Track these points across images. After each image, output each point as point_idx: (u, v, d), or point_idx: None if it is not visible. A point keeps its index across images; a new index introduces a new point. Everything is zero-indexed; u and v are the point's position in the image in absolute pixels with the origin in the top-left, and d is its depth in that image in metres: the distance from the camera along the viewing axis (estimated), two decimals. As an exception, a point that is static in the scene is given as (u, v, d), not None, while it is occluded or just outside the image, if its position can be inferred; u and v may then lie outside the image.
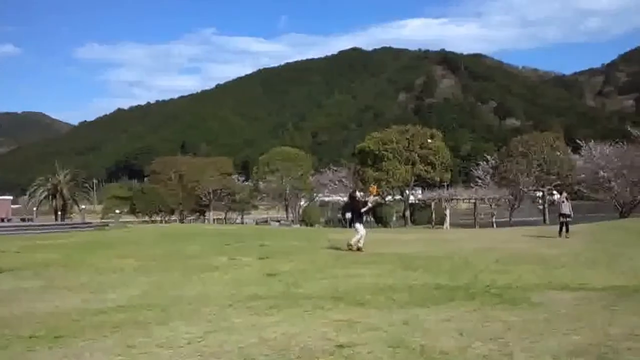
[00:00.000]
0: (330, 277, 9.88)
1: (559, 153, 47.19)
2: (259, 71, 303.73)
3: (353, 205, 16.18)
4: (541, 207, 48.65)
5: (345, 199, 39.73)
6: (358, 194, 18.21)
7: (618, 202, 43.11)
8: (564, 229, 19.50)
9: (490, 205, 50.76)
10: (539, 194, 49.18)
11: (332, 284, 9.01)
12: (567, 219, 19.69)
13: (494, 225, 44.89)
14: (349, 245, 15.02)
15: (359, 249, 14.77)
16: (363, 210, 15.94)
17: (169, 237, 21.83)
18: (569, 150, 49.92)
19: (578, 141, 52.70)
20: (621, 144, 47.39)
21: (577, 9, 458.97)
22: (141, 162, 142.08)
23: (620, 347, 4.84)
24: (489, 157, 58.42)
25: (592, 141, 50.61)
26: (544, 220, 45.15)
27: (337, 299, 7.55)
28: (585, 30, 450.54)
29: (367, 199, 18.06)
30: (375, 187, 20.63)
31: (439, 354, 4.77)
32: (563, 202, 20.25)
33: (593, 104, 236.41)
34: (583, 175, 46.82)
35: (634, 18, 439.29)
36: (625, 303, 6.85)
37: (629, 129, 49.46)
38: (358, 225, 15.34)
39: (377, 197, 18.78)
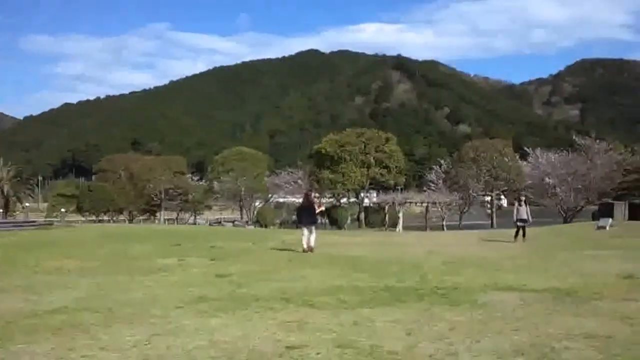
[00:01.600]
0: (280, 279, 9.88)
1: (507, 159, 48.73)
2: (215, 69, 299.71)
3: (308, 205, 16.22)
4: (489, 211, 50.06)
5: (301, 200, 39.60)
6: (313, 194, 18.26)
7: (562, 208, 44.79)
8: (520, 233, 19.66)
9: (442, 209, 51.92)
10: (488, 198, 50.64)
11: (283, 285, 9.01)
12: (525, 224, 19.89)
13: (445, 228, 45.90)
14: (310, 247, 15.12)
15: (306, 250, 15.03)
16: (319, 210, 16.32)
17: (116, 238, 21.27)
18: (517, 157, 51.61)
19: (525, 148, 54.57)
20: (566, 152, 49.36)
21: (526, 21, 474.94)
22: (89, 159, 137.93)
23: (558, 346, 5.05)
24: (441, 162, 59.75)
25: (539, 149, 52.50)
26: (492, 224, 46.48)
27: (286, 300, 7.56)
28: (533, 41, 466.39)
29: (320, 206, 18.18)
30: (322, 205, 20.79)
31: (386, 354, 4.86)
32: (521, 207, 20.32)
33: (541, 112, 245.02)
34: (529, 182, 48.49)
35: (578, 31, 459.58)
36: (562, 304, 7.13)
37: (574, 137, 51.53)
38: (310, 226, 15.45)
39: (322, 209, 18.93)
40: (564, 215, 44.25)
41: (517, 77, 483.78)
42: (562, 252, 15.21)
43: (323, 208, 18.03)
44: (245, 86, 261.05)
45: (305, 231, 15.39)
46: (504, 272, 10.61)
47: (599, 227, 24.80)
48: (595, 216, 31.94)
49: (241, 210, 58.62)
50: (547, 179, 45.46)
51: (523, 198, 21.60)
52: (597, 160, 44.55)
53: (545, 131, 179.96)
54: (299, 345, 5.14)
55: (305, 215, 15.77)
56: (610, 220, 26.21)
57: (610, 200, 35.68)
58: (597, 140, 48.61)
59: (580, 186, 43.49)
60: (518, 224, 19.92)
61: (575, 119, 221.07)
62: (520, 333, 5.58)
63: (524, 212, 20.06)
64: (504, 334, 5.57)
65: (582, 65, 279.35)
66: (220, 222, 57.73)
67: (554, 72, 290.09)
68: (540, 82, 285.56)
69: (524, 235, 19.56)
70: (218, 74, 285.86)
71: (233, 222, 56.57)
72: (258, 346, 5.15)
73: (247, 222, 53.83)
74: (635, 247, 16.04)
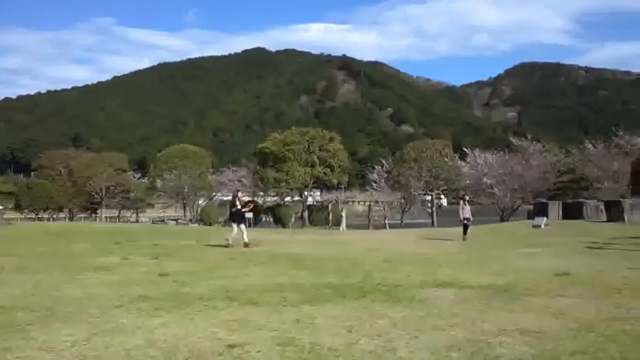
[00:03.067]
0: (222, 277, 9.78)
1: (447, 160, 50.06)
2: (159, 65, 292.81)
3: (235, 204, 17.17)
4: (430, 210, 51.30)
5: (246, 198, 39.35)
6: (240, 194, 18.69)
7: (499, 207, 46.44)
8: (462, 230, 20.07)
9: (384, 208, 52.83)
10: (428, 197, 51.87)
11: (225, 283, 8.93)
12: (468, 222, 20.31)
13: (387, 226, 46.67)
14: (246, 244, 15.85)
15: (227, 246, 15.87)
16: (244, 210, 17.46)
17: (55, 235, 20.51)
18: (457, 157, 53.13)
19: (465, 149, 56.31)
20: (503, 152, 51.23)
21: (467, 25, 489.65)
22: (29, 155, 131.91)
23: (493, 341, 5.21)
24: (384, 161, 60.76)
25: (478, 149, 54.26)
26: (432, 222, 47.64)
27: (228, 298, 7.49)
28: (474, 44, 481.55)
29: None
30: (252, 204, 21.07)
31: (327, 350, 4.90)
32: (466, 206, 20.69)
33: (480, 114, 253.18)
34: (468, 181, 50.02)
35: (517, 36, 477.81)
36: (497, 300, 7.39)
37: (511, 139, 53.61)
38: (239, 224, 16.55)
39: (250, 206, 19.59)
40: (501, 214, 45.89)
41: (458, 79, 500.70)
42: (499, 250, 15.78)
43: (252, 206, 19.17)
44: (189, 83, 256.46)
45: (237, 228, 16.50)
46: (443, 269, 10.89)
47: (534, 226, 25.88)
48: (531, 215, 33.25)
49: (184, 209, 57.69)
50: (485, 179, 47.02)
51: (467, 197, 22.05)
52: (532, 161, 46.46)
53: (483, 132, 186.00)
54: (240, 343, 5.11)
55: (236, 214, 16.83)
56: (544, 219, 27.39)
57: (544, 200, 37.31)
58: (533, 142, 50.78)
59: (516, 186, 45.19)
60: (464, 222, 20.31)
61: (513, 121, 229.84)
62: (456, 328, 5.74)
63: (468, 211, 20.54)
64: (441, 329, 5.72)
65: (521, 68, 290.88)
66: (163, 220, 56.70)
67: (494, 75, 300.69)
68: (480, 84, 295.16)
69: (464, 232, 20.01)
70: (162, 70, 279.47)
71: (176, 220, 55.62)
72: (198, 345, 5.09)
73: (190, 220, 53.03)
74: (567, 245, 16.83)
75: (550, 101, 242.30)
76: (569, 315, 6.37)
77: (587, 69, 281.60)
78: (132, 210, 61.42)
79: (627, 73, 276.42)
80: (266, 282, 9.10)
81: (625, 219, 27.62)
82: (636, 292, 7.92)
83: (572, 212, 30.94)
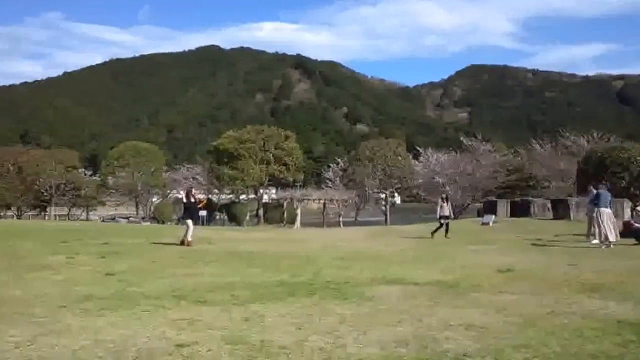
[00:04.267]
0: (172, 276, 9.64)
1: (400, 158, 50.80)
2: (111, 61, 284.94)
3: (189, 203, 17.13)
4: (384, 208, 51.96)
5: (201, 196, 38.88)
6: (194, 191, 18.68)
7: (450, 205, 47.38)
8: (442, 229, 19.83)
9: (339, 206, 53.21)
10: (382, 195, 52.51)
11: (174, 282, 8.81)
12: (447, 221, 20.17)
13: (341, 224, 47.00)
14: (187, 242, 15.78)
15: (188, 244, 15.66)
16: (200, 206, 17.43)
17: (1, 234, 19.68)
18: (410, 157, 53.97)
19: (418, 148, 57.24)
20: (455, 152, 52.38)
21: (419, 27, 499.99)
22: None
23: (439, 336, 5.33)
24: (339, 160, 61.16)
25: (430, 149, 55.26)
26: (386, 220, 48.26)
27: (178, 297, 7.40)
28: (426, 46, 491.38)
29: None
30: (205, 201, 21.08)
31: (277, 348, 4.91)
32: (444, 204, 20.64)
33: (432, 114, 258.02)
34: (421, 180, 50.89)
35: (467, 38, 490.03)
36: (444, 296, 7.56)
37: (462, 139, 54.82)
38: (189, 222, 16.33)
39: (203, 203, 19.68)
40: (452, 211, 46.85)
41: (411, 80, 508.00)
42: (448, 247, 16.13)
43: (204, 203, 19.20)
44: (143, 79, 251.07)
45: (192, 226, 16.29)
46: (393, 266, 11.05)
47: (483, 223, 26.61)
48: (480, 213, 34.14)
49: (137, 206, 56.49)
50: (436, 178, 47.90)
51: (444, 195, 21.99)
52: (482, 161, 47.64)
53: (436, 132, 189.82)
54: (189, 342, 5.06)
55: (190, 211, 16.67)
56: (493, 216, 28.21)
57: (493, 198, 38.39)
58: (483, 142, 52.12)
59: (467, 184, 46.20)
60: (442, 220, 20.21)
61: (464, 121, 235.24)
62: (404, 324, 5.84)
63: (447, 209, 20.56)
64: (389, 325, 5.80)
65: (471, 70, 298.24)
66: (114, 219, 55.40)
67: (445, 76, 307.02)
68: (432, 85, 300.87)
69: (447, 231, 19.80)
70: (114, 66, 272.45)
71: (128, 218, 54.45)
72: (147, 345, 5.01)
73: (143, 218, 51.99)
74: (514, 242, 17.37)
75: (500, 102, 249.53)
76: (513, 310, 6.57)
77: (535, 72, 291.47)
78: (82, 208, 59.68)
79: (573, 75, 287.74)
80: (217, 281, 9.02)
81: (571, 216, 28.75)
82: (576, 287, 8.24)
83: (520, 210, 31.92)
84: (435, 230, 19.87)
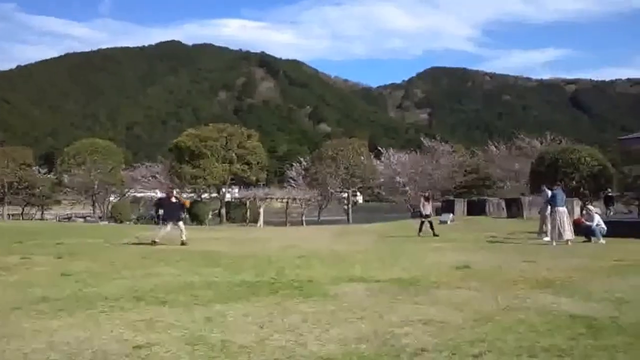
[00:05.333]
0: (131, 276, 9.46)
1: (363, 158, 51.17)
2: (67, 55, 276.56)
3: (173, 204, 16.99)
4: (346, 207, 52.26)
5: (161, 195, 38.19)
6: (175, 192, 18.63)
7: (410, 204, 48.10)
8: (424, 228, 19.89)
9: (301, 205, 53.25)
10: (345, 195, 52.80)
11: (133, 283, 8.65)
12: (429, 219, 20.23)
13: (304, 223, 47.04)
14: (183, 241, 15.76)
15: (156, 243, 15.50)
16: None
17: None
18: (372, 157, 54.44)
19: (380, 148, 57.84)
20: (415, 152, 53.16)
21: (382, 29, 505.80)
22: None
23: (399, 332, 5.43)
24: (302, 159, 61.20)
25: (392, 149, 55.92)
26: (348, 219, 48.56)
27: (137, 298, 7.28)
28: (388, 48, 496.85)
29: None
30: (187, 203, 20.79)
31: (238, 348, 4.89)
32: (427, 203, 20.70)
33: (394, 115, 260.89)
34: (382, 180, 51.45)
35: (428, 42, 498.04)
36: (404, 294, 7.67)
37: (422, 139, 55.65)
38: (175, 223, 16.32)
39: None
40: (412, 211, 47.50)
41: (373, 81, 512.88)
42: (408, 245, 16.37)
43: (187, 203, 18.83)
44: (101, 75, 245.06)
45: (169, 227, 16.18)
46: (355, 265, 11.13)
47: (441, 222, 27.07)
48: (439, 212, 34.78)
49: (94, 205, 55.14)
50: (398, 178, 48.52)
51: (427, 194, 21.98)
52: (441, 161, 48.53)
53: (397, 133, 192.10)
54: (147, 344, 4.99)
55: (170, 211, 16.46)
56: (451, 215, 28.81)
57: (451, 198, 39.15)
58: (442, 143, 53.08)
59: (426, 184, 46.96)
60: (423, 219, 20.30)
61: (424, 123, 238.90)
62: (365, 321, 5.92)
63: (429, 207, 20.64)
64: (350, 323, 5.87)
65: (431, 73, 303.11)
66: (70, 218, 53.96)
67: (407, 78, 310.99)
68: (394, 86, 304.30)
69: (432, 228, 19.88)
70: (71, 60, 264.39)
71: (85, 217, 53.12)
72: (103, 347, 4.92)
73: (100, 217, 50.84)
74: (471, 240, 17.78)
75: (458, 104, 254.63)
76: (469, 306, 6.73)
77: (492, 75, 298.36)
78: (37, 207, 57.84)
79: (528, 80, 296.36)
80: (178, 281, 8.91)
81: (524, 215, 29.62)
82: (531, 283, 8.49)
83: (476, 209, 32.76)
84: (431, 228, 19.95)
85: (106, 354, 4.73)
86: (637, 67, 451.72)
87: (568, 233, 15.99)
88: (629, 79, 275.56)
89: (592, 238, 16.63)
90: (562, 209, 16.31)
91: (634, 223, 22.99)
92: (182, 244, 15.55)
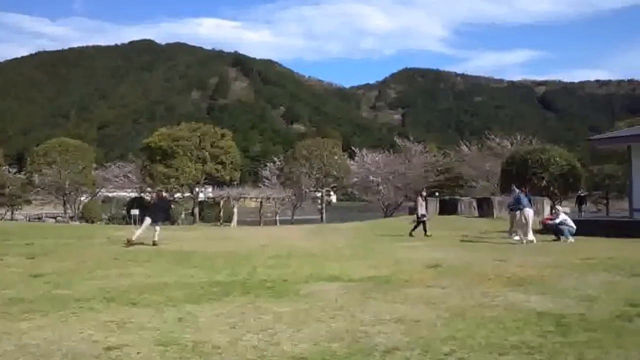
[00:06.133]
0: (103, 277, 9.33)
1: (336, 158, 51.32)
2: (38, 54, 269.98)
3: (161, 204, 17.19)
4: (320, 206, 52.36)
5: (133, 194, 37.51)
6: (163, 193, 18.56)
7: (384, 203, 48.44)
8: (418, 228, 19.73)
9: (275, 204, 53.18)
10: (319, 194, 52.90)
11: (105, 283, 8.54)
12: (424, 219, 19.96)
13: (278, 223, 47.00)
14: (155, 241, 15.54)
15: (132, 243, 15.36)
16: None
17: None
18: (345, 156, 54.63)
19: (353, 148, 58.07)
20: (389, 152, 53.54)
21: (356, 29, 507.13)
22: None
23: (371, 331, 5.47)
24: (276, 159, 61.12)
25: (365, 149, 56.21)
26: (322, 218, 48.65)
27: (108, 299, 7.19)
28: (363, 48, 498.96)
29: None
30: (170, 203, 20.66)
31: (210, 348, 4.87)
32: (422, 203, 20.45)
33: (367, 115, 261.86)
34: (356, 179, 51.68)
35: (401, 42, 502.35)
36: (377, 292, 7.72)
37: (395, 139, 56.09)
38: (155, 223, 16.16)
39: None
40: (385, 209, 47.86)
41: (347, 81, 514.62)
42: (382, 244, 16.51)
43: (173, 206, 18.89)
44: (73, 73, 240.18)
45: (144, 226, 16.09)
46: (329, 263, 11.17)
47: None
48: (412, 211, 35.07)
49: (65, 205, 54.16)
50: (371, 177, 48.78)
51: (424, 194, 21.76)
52: (414, 161, 48.96)
53: (371, 133, 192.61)
54: (118, 345, 4.94)
55: (157, 212, 16.51)
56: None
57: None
58: (415, 143, 53.57)
59: (399, 184, 47.38)
60: (420, 218, 20.06)
61: (398, 123, 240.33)
62: (337, 320, 5.95)
63: (423, 207, 20.35)
64: (323, 322, 5.89)
65: (405, 73, 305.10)
66: (40, 218, 52.93)
67: (380, 78, 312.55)
68: (368, 87, 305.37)
69: (424, 228, 19.75)
70: (43, 58, 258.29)
71: (55, 217, 52.18)
72: (74, 349, 4.85)
73: (71, 217, 50.00)
74: (443, 239, 17.97)
75: (431, 105, 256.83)
76: (441, 303, 6.82)
77: (464, 76, 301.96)
78: (7, 207, 56.56)
79: (500, 81, 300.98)
80: (150, 282, 8.82)
81: (494, 214, 30.13)
82: (501, 281, 8.64)
83: (449, 208, 33.24)
84: (414, 228, 19.85)
85: (76, 355, 4.67)
86: (605, 69, 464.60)
87: (530, 234, 16.46)
88: (597, 80, 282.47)
89: (561, 237, 16.98)
90: (529, 210, 16.76)
91: (603, 222, 23.63)
92: (154, 244, 15.38)
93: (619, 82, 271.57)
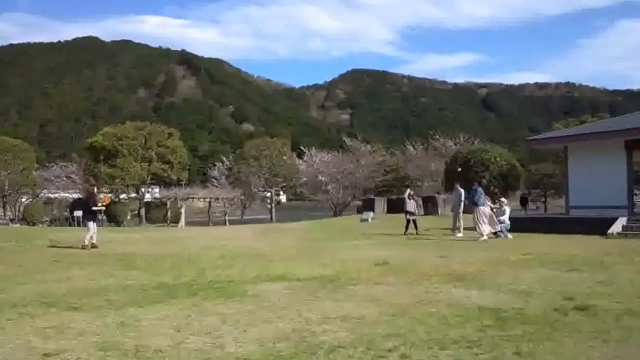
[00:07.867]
0: (41, 281, 9.02)
1: (285, 158, 51.37)
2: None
3: (87, 203, 16.27)
4: (269, 206, 52.25)
5: (76, 195, 36.28)
6: (96, 190, 17.67)
7: (332, 203, 48.77)
8: (410, 226, 19.66)
9: (225, 204, 52.66)
10: (268, 194, 52.78)
11: (43, 288, 8.25)
12: (413, 217, 19.93)
13: (227, 223, 46.56)
14: (83, 244, 14.88)
15: (93, 246, 14.88)
16: (95, 208, 16.06)
17: None
18: (294, 156, 54.72)
19: (302, 148, 58.15)
20: (337, 152, 53.95)
21: (304, 30, 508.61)
22: None
23: (317, 330, 5.52)
24: (225, 158, 60.52)
25: (314, 148, 56.40)
26: (272, 218, 48.58)
27: (47, 304, 6.95)
28: (311, 49, 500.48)
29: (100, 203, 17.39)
30: (108, 198, 19.98)
31: (152, 352, 4.80)
32: (410, 201, 20.43)
33: (316, 115, 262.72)
34: (305, 179, 51.82)
35: (349, 44, 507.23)
36: (323, 291, 7.80)
37: (344, 139, 56.53)
38: (90, 224, 15.40)
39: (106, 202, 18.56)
40: (334, 209, 48.19)
41: (296, 81, 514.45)
42: (330, 243, 16.64)
43: (107, 202, 18.05)
44: (11, 70, 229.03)
45: (93, 227, 15.48)
46: (277, 263, 11.18)
47: (362, 220, 27.73)
48: (360, 210, 35.55)
49: (4, 207, 51.90)
50: (320, 177, 49.01)
51: (412, 193, 21.74)
52: (362, 161, 49.49)
53: (320, 132, 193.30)
54: (57, 351, 4.80)
55: (93, 212, 15.88)
56: (371, 213, 29.56)
57: (372, 196, 40.09)
58: (363, 143, 54.18)
59: (347, 183, 47.80)
60: (407, 217, 20.08)
61: (346, 123, 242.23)
62: (283, 320, 5.98)
63: (412, 205, 20.48)
64: (269, 322, 5.90)
65: (353, 74, 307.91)
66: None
67: (329, 79, 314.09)
68: (316, 87, 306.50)
69: (415, 227, 19.70)
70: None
71: (-6, 220, 49.89)
72: (10, 356, 4.69)
73: (12, 219, 47.96)
74: (390, 237, 18.30)
75: (378, 105, 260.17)
76: (385, 301, 6.96)
77: (410, 78, 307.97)
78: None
79: (444, 83, 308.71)
80: (91, 285, 8.58)
81: (439, 212, 30.89)
82: (444, 277, 8.88)
83: (396, 207, 33.72)
84: (415, 227, 19.73)
85: (12, 363, 4.51)
86: (544, 72, 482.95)
87: (486, 229, 16.89)
88: (536, 83, 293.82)
89: (499, 233, 17.53)
90: (483, 208, 17.20)
91: (540, 218, 24.66)
92: (85, 246, 14.77)
93: (557, 85, 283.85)
